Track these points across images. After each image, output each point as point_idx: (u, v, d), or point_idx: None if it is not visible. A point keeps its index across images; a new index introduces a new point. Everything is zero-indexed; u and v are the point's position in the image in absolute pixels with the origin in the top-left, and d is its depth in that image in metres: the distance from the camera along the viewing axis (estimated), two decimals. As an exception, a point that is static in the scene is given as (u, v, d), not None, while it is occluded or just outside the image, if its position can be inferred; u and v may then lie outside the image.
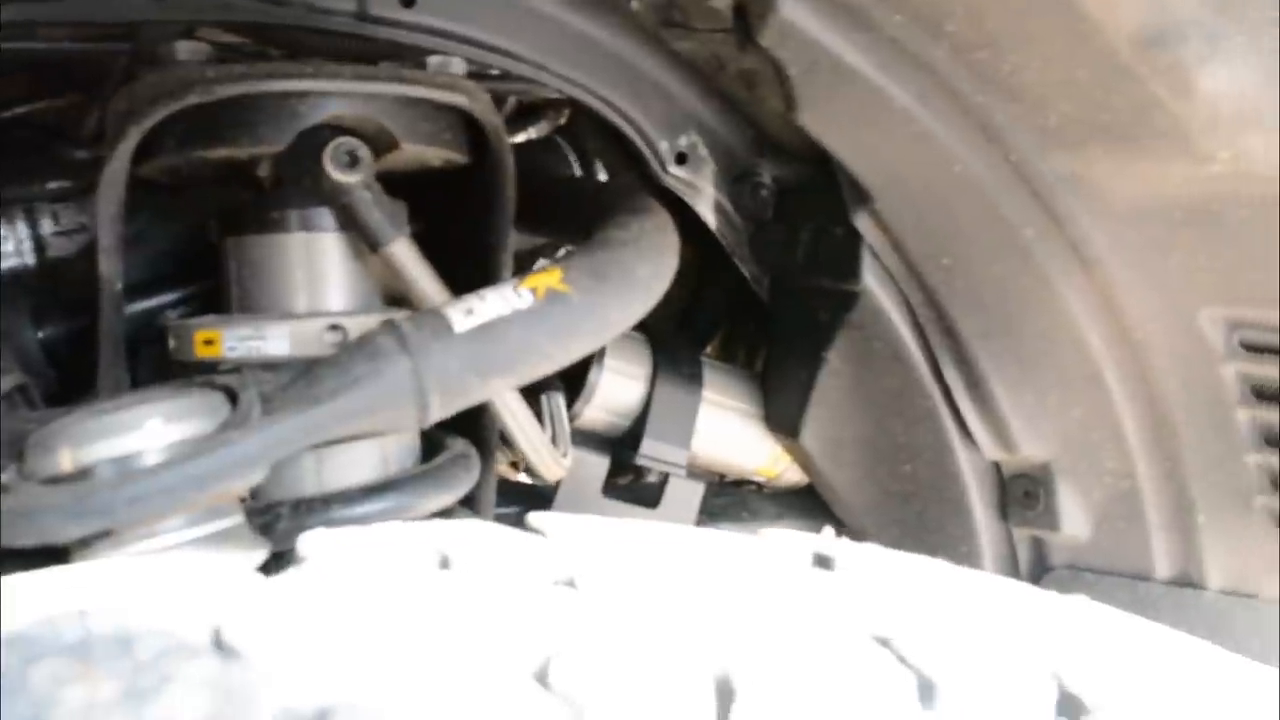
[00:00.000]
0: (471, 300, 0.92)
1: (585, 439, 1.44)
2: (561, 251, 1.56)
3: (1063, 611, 0.58)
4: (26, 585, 0.57)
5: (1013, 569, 1.43)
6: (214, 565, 0.59)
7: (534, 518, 0.64)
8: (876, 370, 1.35)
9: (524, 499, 1.51)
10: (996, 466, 1.38)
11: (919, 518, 1.43)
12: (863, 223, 1.28)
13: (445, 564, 0.55)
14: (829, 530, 0.68)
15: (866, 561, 0.62)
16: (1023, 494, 1.36)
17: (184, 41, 1.04)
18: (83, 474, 0.80)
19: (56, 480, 0.80)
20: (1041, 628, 0.54)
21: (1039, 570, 1.41)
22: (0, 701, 0.44)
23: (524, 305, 0.91)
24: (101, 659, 0.46)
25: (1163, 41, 0.96)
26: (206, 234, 1.19)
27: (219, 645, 0.47)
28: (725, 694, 0.44)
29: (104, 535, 0.81)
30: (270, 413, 0.84)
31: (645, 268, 1.03)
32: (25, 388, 0.98)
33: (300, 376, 0.88)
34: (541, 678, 0.43)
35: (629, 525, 0.64)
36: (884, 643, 0.49)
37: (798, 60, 1.13)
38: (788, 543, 0.64)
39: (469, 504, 1.19)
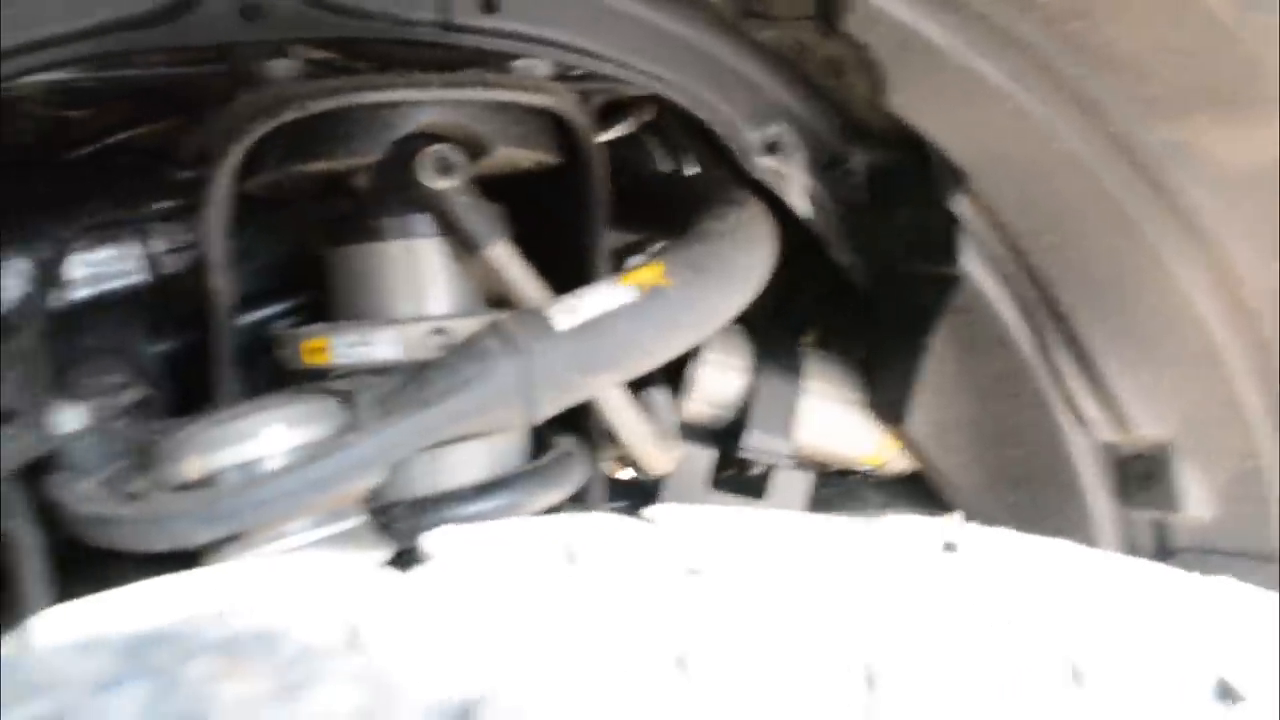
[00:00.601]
0: (574, 298, 0.93)
1: (688, 432, 1.44)
2: (656, 246, 1.56)
3: (1207, 592, 0.57)
4: (166, 587, 0.59)
5: (1133, 553, 1.40)
6: (345, 563, 0.61)
7: (651, 510, 0.65)
8: (982, 354, 1.32)
9: (629, 495, 1.52)
10: (1112, 448, 1.35)
11: (1032, 502, 1.40)
12: (960, 205, 1.25)
13: (571, 558, 0.55)
14: (956, 515, 0.67)
15: (996, 545, 0.61)
16: (1141, 475, 1.33)
17: (278, 60, 1.07)
18: (209, 481, 0.83)
19: (185, 487, 0.83)
20: (1186, 609, 0.53)
21: (1162, 554, 1.37)
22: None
23: (626, 301, 0.92)
24: (248, 656, 0.47)
25: (1263, 2, 0.93)
26: (309, 245, 1.22)
27: (356, 641, 0.48)
28: (871, 679, 0.43)
29: (233, 539, 0.83)
30: (384, 416, 0.85)
31: (744, 258, 1.03)
32: (149, 400, 1.01)
33: (411, 380, 0.90)
34: (682, 665, 0.43)
35: (747, 514, 0.64)
36: (1025, 627, 0.48)
37: (885, 44, 1.12)
38: (912, 528, 0.63)
39: (578, 500, 1.20)
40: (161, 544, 0.80)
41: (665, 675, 0.43)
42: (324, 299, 1.18)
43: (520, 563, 0.55)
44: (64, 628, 0.54)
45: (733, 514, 0.63)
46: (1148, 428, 1.27)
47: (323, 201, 1.26)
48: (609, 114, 1.58)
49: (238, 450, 0.82)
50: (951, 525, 0.67)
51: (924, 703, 0.42)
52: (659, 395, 1.36)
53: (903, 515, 0.70)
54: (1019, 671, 0.46)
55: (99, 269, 1.33)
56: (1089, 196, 1.16)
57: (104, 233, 1.32)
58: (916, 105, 1.18)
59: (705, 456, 1.47)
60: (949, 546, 0.61)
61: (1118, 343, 1.25)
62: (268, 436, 0.83)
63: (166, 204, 1.36)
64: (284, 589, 0.54)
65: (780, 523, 0.62)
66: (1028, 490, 1.40)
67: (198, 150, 1.40)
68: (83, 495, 0.84)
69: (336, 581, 0.55)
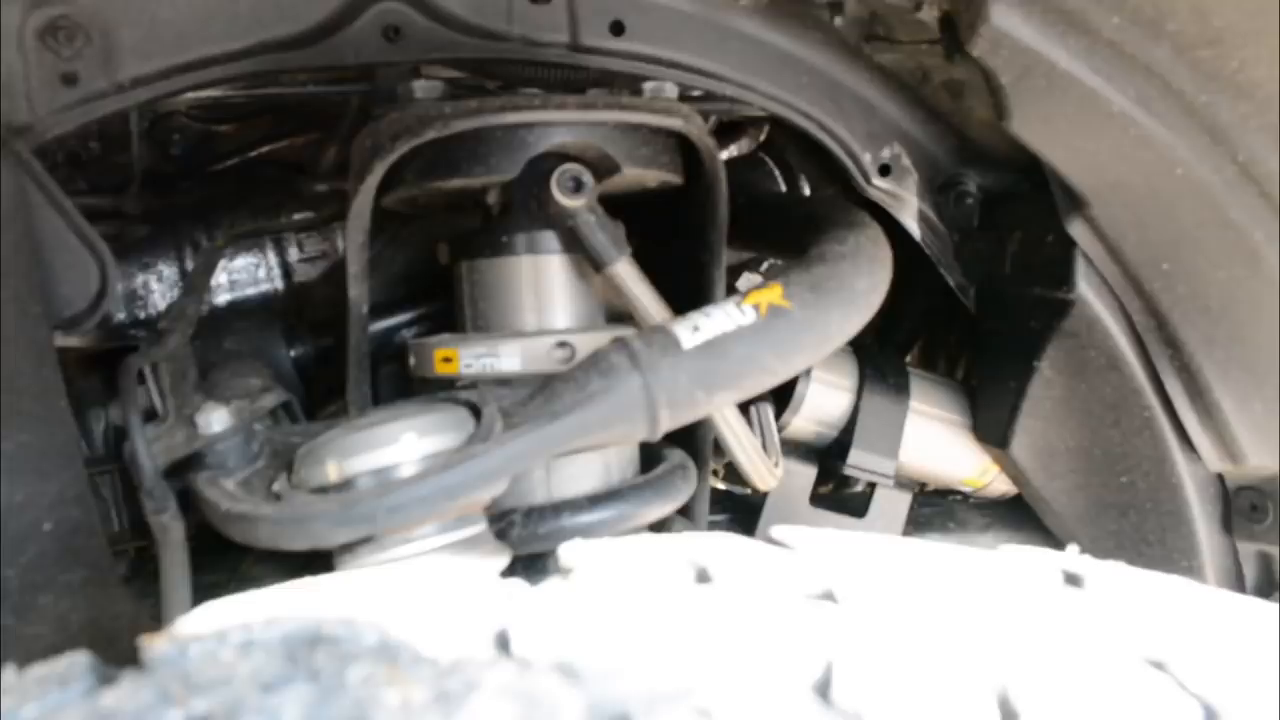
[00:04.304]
0: (697, 317, 0.95)
1: (792, 449, 1.46)
2: (765, 265, 1.58)
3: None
4: (312, 590, 0.63)
5: (1237, 585, 1.38)
6: (480, 570, 0.64)
7: (777, 531, 0.67)
8: (1091, 379, 1.32)
9: (730, 508, 1.54)
10: (1220, 478, 1.33)
11: (1136, 530, 1.38)
12: (1077, 229, 1.25)
13: (704, 577, 0.58)
14: (1074, 547, 0.68)
15: (1118, 580, 0.61)
16: (1249, 507, 1.31)
17: (420, 80, 1.11)
18: (346, 484, 0.87)
19: (323, 490, 0.88)
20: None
21: (1266, 588, 1.35)
22: (319, 700, 0.49)
23: (747, 321, 0.94)
24: (406, 663, 0.50)
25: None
26: (435, 258, 1.27)
27: (507, 650, 0.51)
28: (1009, 713, 0.45)
29: (364, 541, 0.88)
30: (512, 427, 0.89)
31: (863, 281, 1.04)
32: (289, 404, 1.06)
33: (538, 393, 0.93)
34: (823, 691, 0.45)
35: (871, 539, 0.65)
36: (1159, 666, 0.49)
37: (1010, 68, 1.12)
38: (1032, 559, 0.64)
39: (684, 513, 1.23)
40: (300, 543, 0.85)
41: (807, 701, 0.45)
42: (447, 310, 1.22)
43: (655, 580, 0.57)
44: (215, 625, 0.57)
45: (858, 538, 0.65)
46: (1258, 458, 1.26)
47: (448, 216, 1.31)
48: (723, 133, 1.60)
49: (374, 456, 0.87)
50: (1071, 557, 0.68)
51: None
52: (765, 412, 1.38)
53: (1020, 545, 0.71)
54: (1152, 710, 0.47)
55: (237, 276, 1.40)
56: (1211, 225, 1.15)
57: (243, 242, 1.39)
58: (1038, 129, 1.18)
59: (807, 473, 1.48)
60: (1072, 579, 0.62)
61: (1231, 373, 1.23)
62: (403, 444, 0.87)
63: (302, 215, 1.42)
64: (431, 594, 0.58)
65: (906, 549, 0.63)
66: (1133, 518, 1.38)
67: (332, 164, 1.46)
68: (228, 493, 0.89)
69: (481, 589, 0.58)
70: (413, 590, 0.60)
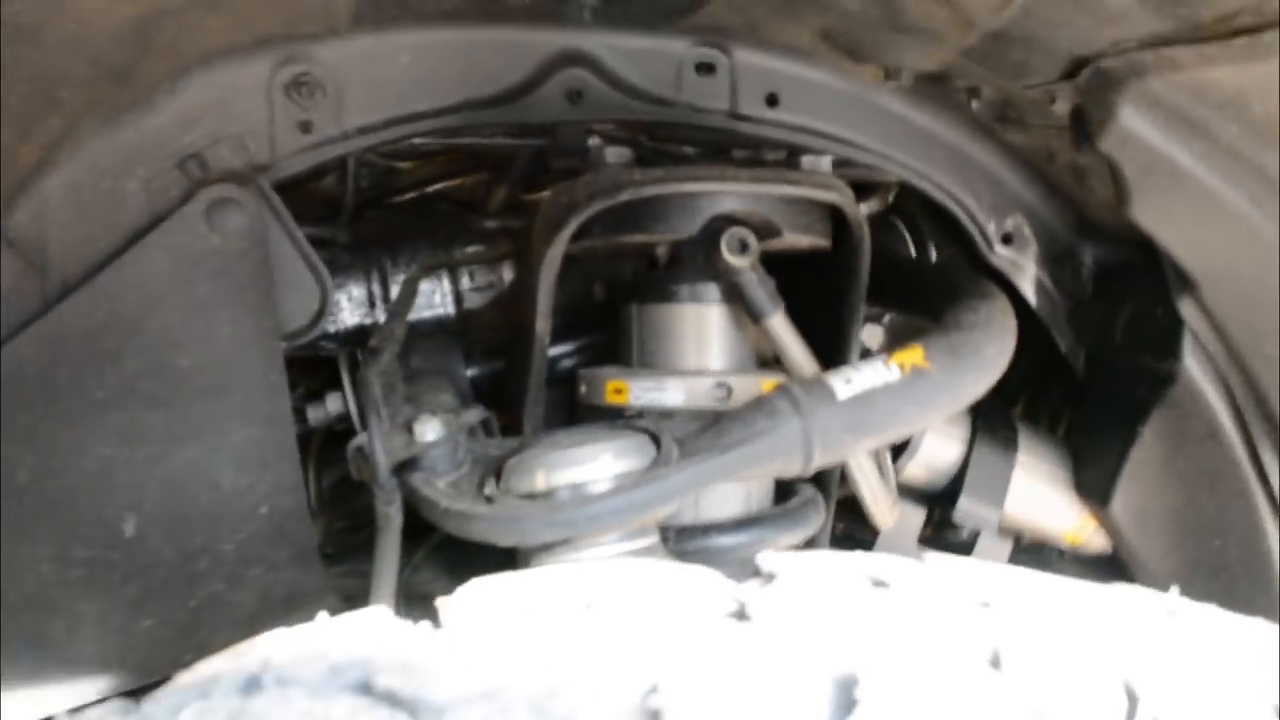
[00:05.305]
0: (849, 371, 1.09)
1: (904, 493, 1.58)
2: (886, 318, 1.71)
3: None
4: (552, 575, 0.77)
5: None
6: (699, 570, 0.77)
7: (929, 556, 0.80)
8: (1191, 447, 1.41)
9: (838, 543, 1.66)
10: (1308, 548, 1.42)
11: (1226, 592, 1.47)
12: (1186, 308, 1.35)
13: (880, 584, 0.71)
14: (1175, 589, 0.81)
15: (1207, 615, 0.74)
16: (1338, 577, 1.40)
17: (611, 147, 1.27)
18: (550, 493, 1.02)
19: (530, 497, 1.03)
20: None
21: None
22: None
23: (893, 379, 1.08)
24: (665, 626, 0.64)
25: None
26: (592, 295, 1.41)
27: (744, 619, 0.65)
28: (1131, 695, 0.58)
29: (561, 542, 1.03)
30: (688, 455, 1.03)
31: (993, 348, 1.17)
32: (487, 421, 1.21)
33: (709, 427, 1.07)
34: (995, 663, 0.59)
35: (1008, 568, 0.79)
36: (1234, 672, 0.63)
37: (1134, 163, 1.23)
38: (1139, 595, 0.77)
39: (809, 544, 1.35)
40: (509, 540, 1.00)
41: (983, 670, 0.59)
42: (606, 343, 1.37)
43: (843, 584, 0.71)
44: (492, 596, 0.72)
45: (998, 567, 0.78)
46: (1349, 533, 1.35)
47: (606, 259, 1.47)
48: (856, 192, 1.74)
49: (576, 471, 1.02)
50: (1172, 597, 0.80)
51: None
52: (884, 456, 1.50)
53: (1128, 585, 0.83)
54: (1231, 700, 0.60)
55: (416, 300, 1.56)
56: (1314, 316, 1.25)
57: (422, 269, 1.55)
58: (1156, 217, 1.29)
59: (917, 515, 1.60)
60: (1171, 612, 0.75)
61: (1326, 453, 1.33)
62: (600, 463, 1.02)
63: (475, 249, 1.58)
64: (669, 579, 0.72)
65: (1038, 576, 0.77)
66: (1223, 580, 1.47)
67: (502, 203, 1.63)
68: (445, 493, 1.05)
69: (707, 580, 0.73)
70: (650, 575, 0.74)
